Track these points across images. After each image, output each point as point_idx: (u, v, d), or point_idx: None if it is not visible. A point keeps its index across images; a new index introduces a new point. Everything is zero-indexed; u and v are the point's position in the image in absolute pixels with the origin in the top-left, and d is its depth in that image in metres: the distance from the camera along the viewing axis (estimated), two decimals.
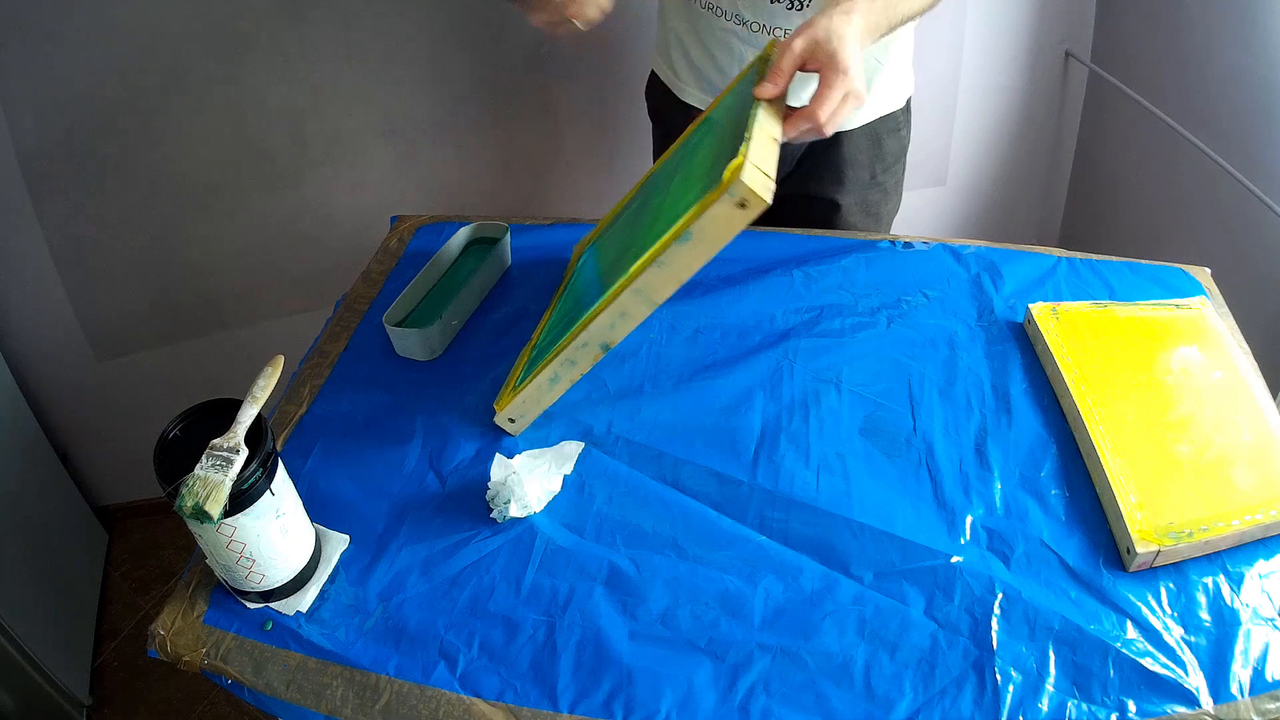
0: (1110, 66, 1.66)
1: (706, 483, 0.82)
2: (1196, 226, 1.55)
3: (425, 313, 1.03)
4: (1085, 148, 1.85)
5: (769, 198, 0.69)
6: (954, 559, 0.74)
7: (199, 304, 1.66)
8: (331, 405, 0.94)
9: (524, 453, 0.85)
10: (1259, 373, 0.87)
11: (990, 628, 0.69)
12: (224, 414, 0.70)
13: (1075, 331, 0.91)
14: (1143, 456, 0.78)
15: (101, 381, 1.69)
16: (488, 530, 0.79)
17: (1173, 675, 0.65)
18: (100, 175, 1.48)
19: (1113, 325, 0.91)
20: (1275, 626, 0.68)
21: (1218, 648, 0.67)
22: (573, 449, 0.86)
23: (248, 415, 0.69)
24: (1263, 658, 0.66)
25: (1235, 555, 0.73)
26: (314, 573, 0.76)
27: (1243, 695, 0.64)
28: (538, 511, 0.80)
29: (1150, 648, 0.67)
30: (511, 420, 0.87)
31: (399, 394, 0.94)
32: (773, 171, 0.71)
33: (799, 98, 0.82)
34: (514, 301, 1.06)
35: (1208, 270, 1.03)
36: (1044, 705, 0.65)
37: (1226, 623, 0.69)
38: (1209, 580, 0.71)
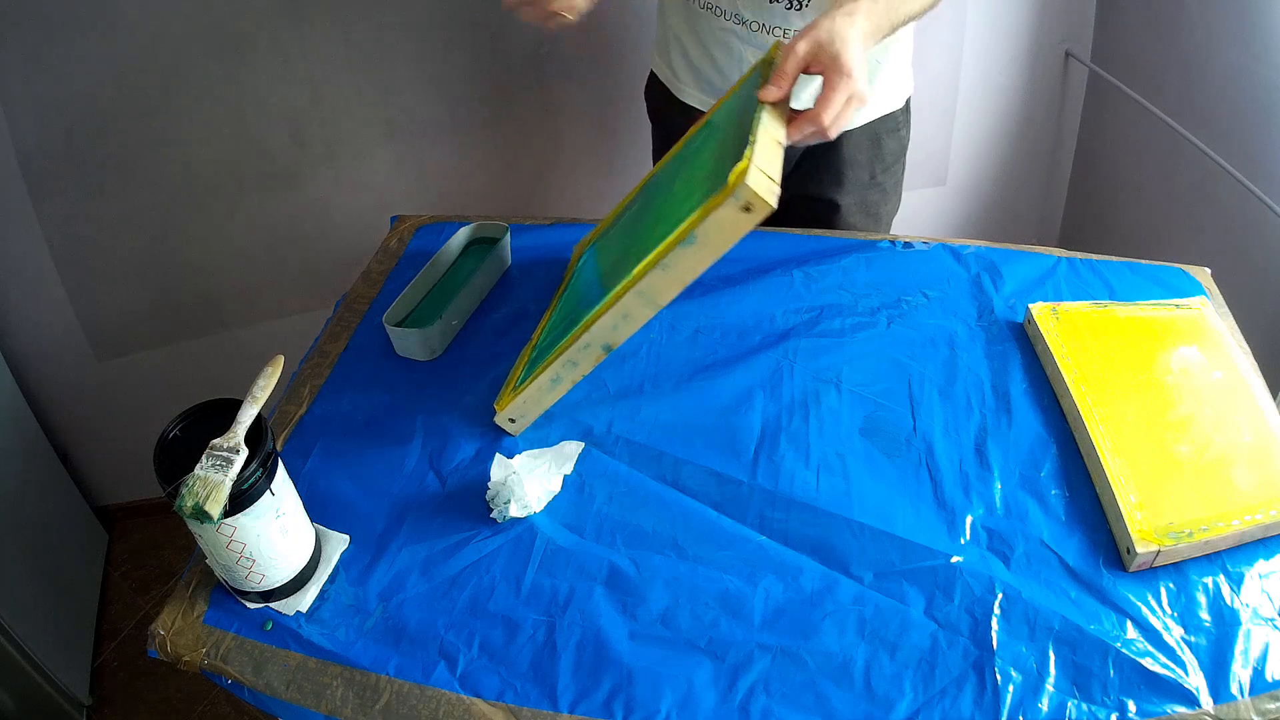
0: (1110, 66, 1.66)
1: (706, 483, 0.82)
2: (1196, 226, 1.55)
3: (425, 313, 1.03)
4: (1085, 148, 1.85)
5: (774, 202, 0.69)
6: (954, 559, 0.74)
7: (199, 304, 1.66)
8: (331, 405, 0.94)
9: (524, 453, 0.85)
10: (1259, 373, 0.87)
11: (990, 628, 0.69)
12: (224, 414, 0.70)
13: (1075, 331, 0.91)
14: (1143, 456, 0.78)
15: (101, 381, 1.69)
16: (488, 530, 0.79)
17: (1173, 675, 0.65)
18: (100, 175, 1.48)
19: (1113, 325, 0.91)
20: (1275, 626, 0.68)
21: (1218, 648, 0.67)
22: (573, 449, 0.86)
23: (248, 415, 0.69)
24: (1263, 658, 0.66)
25: (1235, 555, 0.73)
26: (314, 573, 0.76)
27: (1243, 695, 0.64)
28: (538, 511, 0.80)
29: (1150, 648, 0.67)
30: (512, 420, 0.87)
31: (399, 394, 0.94)
32: (777, 175, 0.71)
33: (801, 99, 0.82)
34: (514, 301, 1.06)
35: (1208, 270, 1.03)
36: (1044, 705, 0.65)
37: (1226, 623, 0.69)
38: (1209, 580, 0.71)
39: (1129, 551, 0.72)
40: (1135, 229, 1.73)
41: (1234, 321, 0.96)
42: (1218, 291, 1.01)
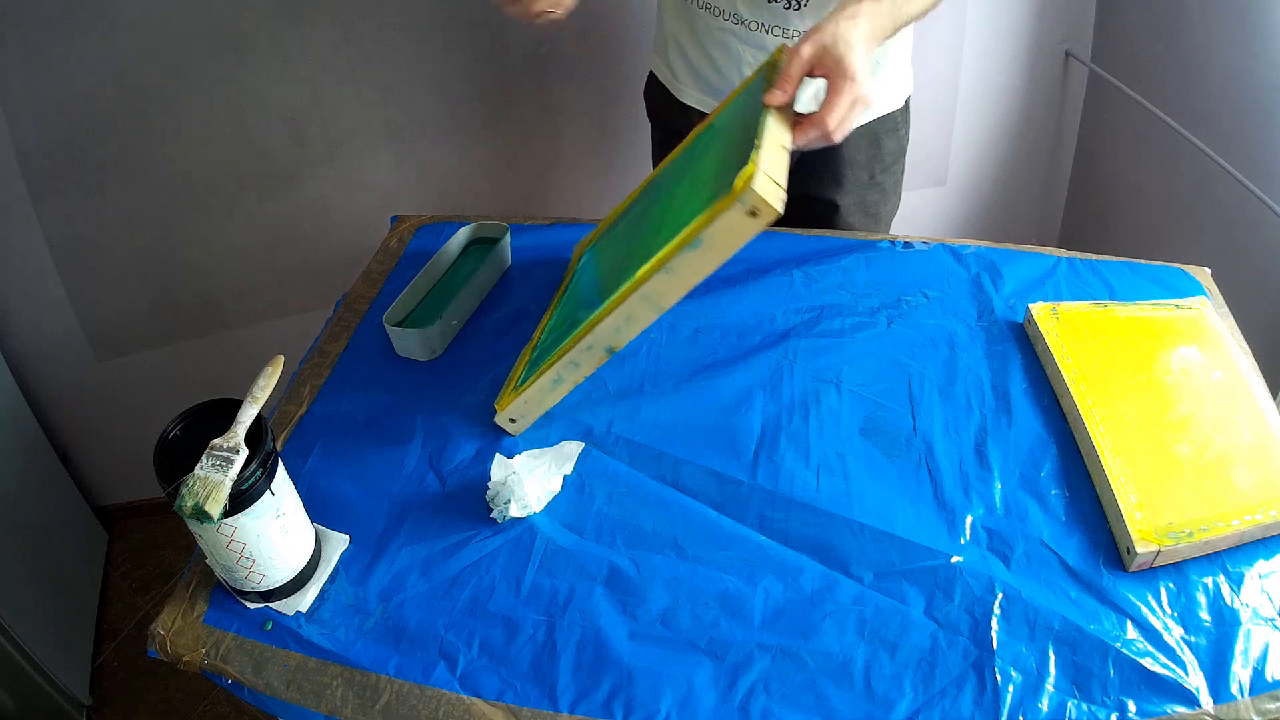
0: (1110, 66, 1.66)
1: (706, 483, 0.82)
2: (1196, 226, 1.55)
3: (425, 313, 1.03)
4: (1085, 148, 1.85)
5: (780, 207, 0.69)
6: (954, 559, 0.74)
7: (199, 304, 1.66)
8: (331, 405, 0.94)
9: (524, 453, 0.85)
10: (1259, 373, 0.87)
11: (990, 628, 0.69)
12: (224, 414, 0.70)
13: (1075, 331, 0.91)
14: (1143, 456, 0.78)
15: (101, 381, 1.69)
16: (488, 530, 0.79)
17: (1173, 675, 0.65)
18: (100, 175, 1.48)
19: (1113, 325, 0.91)
20: (1275, 626, 0.68)
21: (1218, 648, 0.67)
22: (573, 449, 0.86)
23: (248, 415, 0.69)
24: (1263, 658, 0.66)
25: (1235, 555, 0.73)
26: (314, 573, 0.76)
27: (1243, 695, 0.64)
28: (538, 511, 0.80)
29: (1150, 648, 0.67)
30: (512, 420, 0.87)
31: (399, 394, 0.94)
32: (783, 180, 0.71)
33: (802, 101, 0.82)
34: (514, 301, 1.06)
35: (1208, 270, 1.03)
36: (1044, 705, 0.65)
37: (1226, 623, 0.69)
38: (1209, 580, 0.71)
39: (1129, 551, 0.72)
40: (1135, 229, 1.73)
41: (1234, 321, 0.96)
42: (1218, 291, 1.01)
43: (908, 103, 1.18)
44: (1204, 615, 0.69)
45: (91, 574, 1.78)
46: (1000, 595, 0.71)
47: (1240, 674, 0.65)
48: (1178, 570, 0.72)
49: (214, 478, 0.64)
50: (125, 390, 1.71)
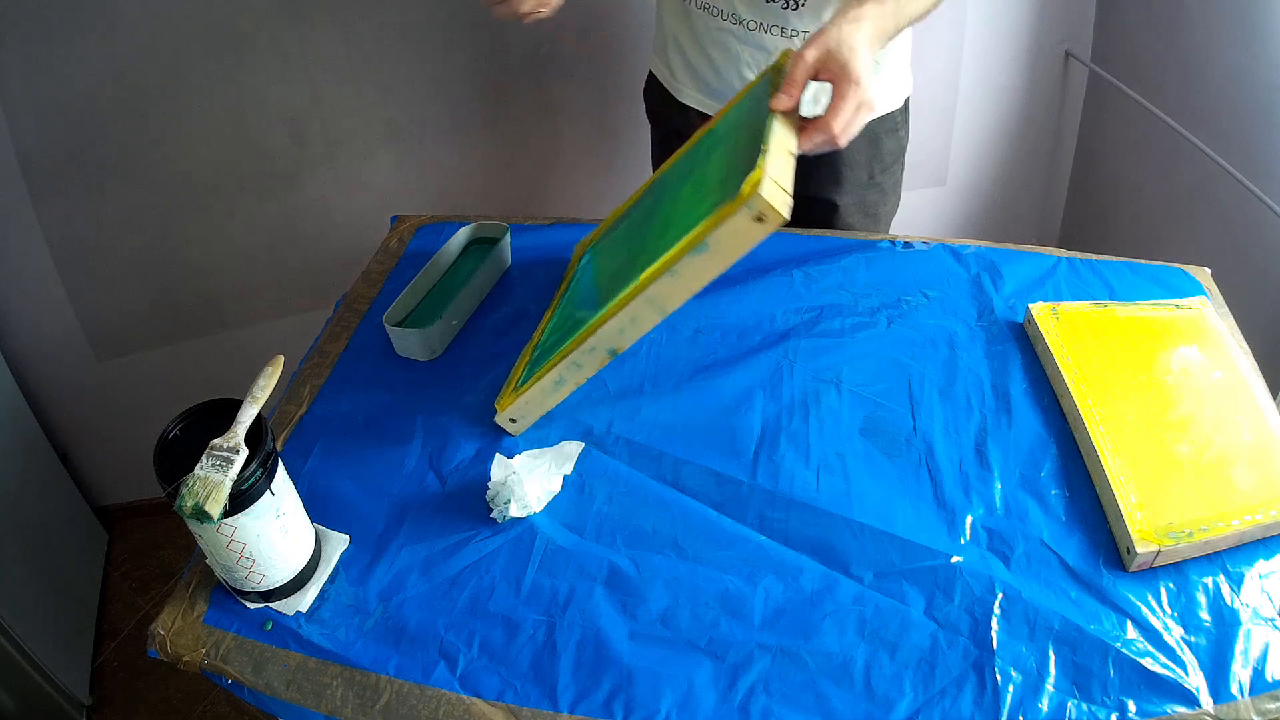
0: (1110, 66, 1.66)
1: (706, 483, 0.82)
2: (1196, 226, 1.55)
3: (425, 313, 1.03)
4: (1085, 148, 1.85)
5: (787, 213, 0.69)
6: (954, 559, 0.74)
7: (199, 304, 1.66)
8: (331, 405, 0.94)
9: (524, 453, 0.85)
10: (1259, 373, 0.87)
11: (990, 628, 0.69)
12: (224, 414, 0.70)
13: (1075, 331, 0.91)
14: (1143, 456, 0.78)
15: (101, 381, 1.69)
16: (488, 530, 0.79)
17: (1173, 675, 0.65)
18: (100, 175, 1.48)
19: (1113, 325, 0.91)
20: (1275, 626, 0.68)
21: (1218, 648, 0.67)
22: (573, 449, 0.86)
23: (248, 415, 0.69)
24: (1263, 658, 0.66)
25: (1235, 555, 0.73)
26: (314, 573, 0.76)
27: (1243, 695, 0.64)
28: (538, 511, 0.80)
29: (1150, 648, 0.67)
30: (513, 420, 0.87)
31: (399, 394, 0.94)
32: (789, 185, 0.72)
33: (802, 104, 0.83)
34: (514, 301, 1.06)
35: (1208, 270, 1.03)
36: (1044, 705, 0.65)
37: (1226, 623, 0.69)
38: (1209, 580, 0.71)
39: (1129, 551, 0.72)
40: (1135, 229, 1.73)
41: (1234, 321, 0.96)
42: (1218, 291, 1.01)
43: (907, 103, 1.18)
44: (1204, 615, 0.69)
45: (91, 574, 1.78)
46: (1000, 595, 0.71)
47: (1240, 674, 0.65)
48: (1178, 570, 0.72)
49: (214, 478, 0.64)
50: (125, 390, 1.71)
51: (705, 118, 1.14)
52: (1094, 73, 1.71)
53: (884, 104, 1.14)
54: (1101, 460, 0.78)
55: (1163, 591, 0.71)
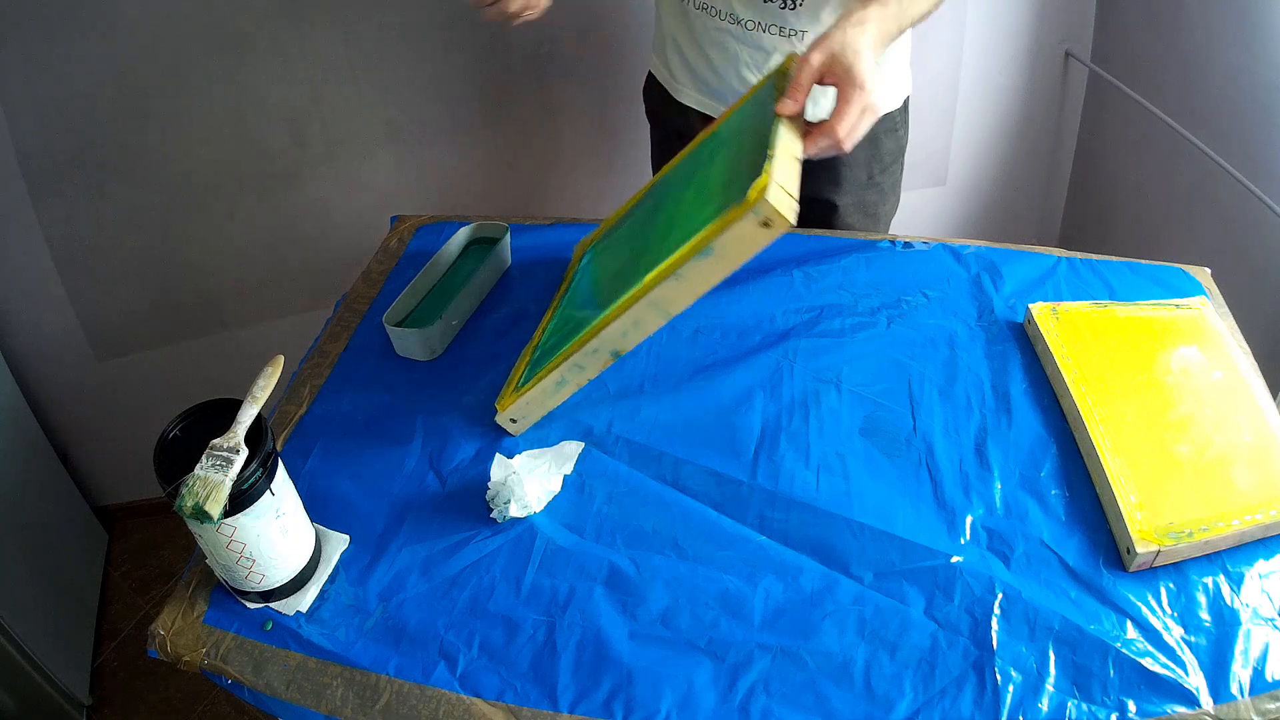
0: (1110, 66, 1.66)
1: (706, 483, 0.82)
2: (1196, 226, 1.55)
3: (425, 313, 1.03)
4: (1085, 148, 1.85)
5: (793, 219, 0.69)
6: (954, 559, 0.74)
7: (199, 304, 1.66)
8: (331, 405, 0.94)
9: (524, 453, 0.85)
10: (1259, 373, 0.87)
11: (990, 628, 0.69)
12: (224, 414, 0.70)
13: (1075, 331, 0.91)
14: (1143, 456, 0.78)
15: (101, 381, 1.69)
16: (488, 530, 0.79)
17: (1173, 675, 0.65)
18: (100, 175, 1.48)
19: (1113, 325, 0.91)
20: (1275, 626, 0.68)
21: (1218, 648, 0.67)
22: (573, 449, 0.86)
23: (248, 415, 0.69)
24: (1263, 658, 0.66)
25: (1235, 555, 0.73)
26: (314, 573, 0.76)
27: (1243, 695, 0.64)
28: (538, 511, 0.80)
29: (1150, 648, 0.67)
30: (513, 420, 0.87)
31: (399, 394, 0.94)
32: (795, 191, 0.72)
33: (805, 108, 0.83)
34: (514, 301, 1.06)
35: (1208, 270, 1.03)
36: (1044, 705, 0.65)
37: (1226, 623, 0.69)
38: (1209, 580, 0.71)
39: (1129, 551, 0.72)
40: (1135, 229, 1.73)
41: (1234, 321, 0.96)
42: (1218, 291, 1.01)
43: (906, 103, 1.18)
44: (1204, 615, 0.69)
45: (91, 574, 1.78)
46: (1000, 595, 0.71)
47: (1240, 674, 0.65)
48: (1178, 570, 0.72)
49: (214, 478, 0.64)
50: (125, 390, 1.71)
51: (705, 118, 1.14)
52: (1094, 73, 1.71)
53: (884, 104, 1.14)
54: (1101, 460, 0.78)
55: (1163, 591, 0.71)
